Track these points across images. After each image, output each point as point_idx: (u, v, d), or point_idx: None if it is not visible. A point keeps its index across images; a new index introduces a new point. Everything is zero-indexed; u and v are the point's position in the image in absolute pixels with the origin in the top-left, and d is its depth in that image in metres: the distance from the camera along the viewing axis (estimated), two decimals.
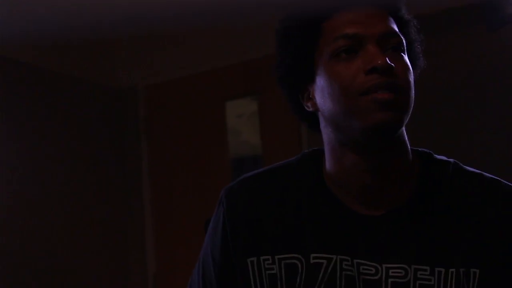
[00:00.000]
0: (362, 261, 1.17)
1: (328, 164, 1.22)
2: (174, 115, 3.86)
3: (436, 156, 1.24)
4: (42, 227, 3.37)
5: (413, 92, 1.16)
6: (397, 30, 1.16)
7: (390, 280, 1.15)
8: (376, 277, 1.16)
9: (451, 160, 1.24)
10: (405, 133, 1.19)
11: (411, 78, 1.15)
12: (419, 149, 1.24)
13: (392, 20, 1.17)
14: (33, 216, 3.33)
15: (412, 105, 1.15)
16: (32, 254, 3.30)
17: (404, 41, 1.17)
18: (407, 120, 1.15)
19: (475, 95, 3.10)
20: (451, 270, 1.14)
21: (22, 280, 3.23)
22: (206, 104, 3.76)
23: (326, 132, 1.21)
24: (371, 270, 1.16)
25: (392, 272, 1.15)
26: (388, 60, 1.11)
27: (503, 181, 1.21)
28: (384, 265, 1.16)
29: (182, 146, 3.81)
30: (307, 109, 1.22)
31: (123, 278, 3.73)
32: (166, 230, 3.76)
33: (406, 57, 1.16)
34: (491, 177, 1.21)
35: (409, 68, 1.15)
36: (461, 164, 1.23)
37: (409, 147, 1.21)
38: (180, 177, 3.78)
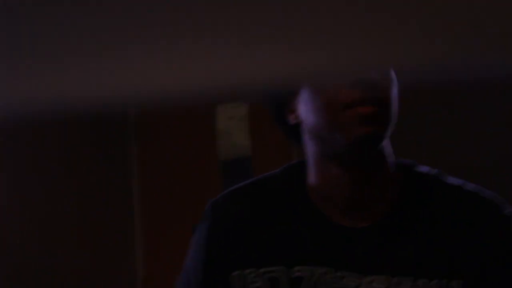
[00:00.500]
0: (345, 273, 1.17)
1: (312, 176, 1.23)
2: (165, 116, 3.85)
3: (420, 167, 1.25)
4: (39, 227, 3.36)
5: (397, 105, 1.16)
6: None
7: None
8: None
9: (434, 170, 1.25)
10: (389, 145, 1.20)
11: (395, 91, 1.16)
12: (403, 160, 1.25)
13: None
14: (31, 215, 3.33)
15: (396, 118, 1.16)
16: (31, 254, 3.30)
17: None
18: (390, 133, 1.17)
19: (466, 99, 3.10)
20: (433, 281, 1.15)
21: (19, 280, 3.23)
22: (197, 106, 3.76)
23: (309, 145, 1.21)
24: (354, 281, 1.17)
25: (375, 284, 1.16)
26: (371, 74, 1.12)
27: (484, 190, 1.22)
28: (366, 277, 1.17)
29: (172, 148, 3.81)
30: (290, 121, 1.23)
31: (112, 280, 3.73)
32: (156, 233, 3.76)
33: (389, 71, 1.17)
34: (472, 188, 1.22)
35: (392, 81, 1.16)
36: (444, 175, 1.24)
37: (392, 158, 1.22)
38: (170, 179, 3.78)
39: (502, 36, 0.37)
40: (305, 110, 1.18)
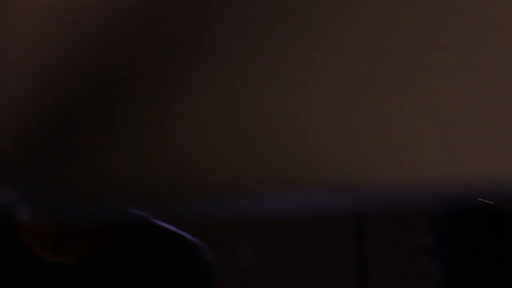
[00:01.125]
0: None
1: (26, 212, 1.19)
2: None
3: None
4: None
5: None
6: None
7: None
8: None
9: (141, 213, 1.26)
10: None
11: None
12: None
13: None
14: None
15: None
16: None
17: None
18: None
19: None
20: None
21: None
22: None
23: None
24: None
25: None
26: None
27: (183, 235, 1.27)
28: None
29: None
30: None
31: None
32: None
33: None
34: (174, 232, 1.27)
35: None
36: (151, 218, 1.27)
37: None
38: None
39: None
40: None
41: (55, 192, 0.37)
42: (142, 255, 1.22)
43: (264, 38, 0.36)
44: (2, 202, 1.21)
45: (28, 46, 0.36)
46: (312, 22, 0.36)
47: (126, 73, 0.35)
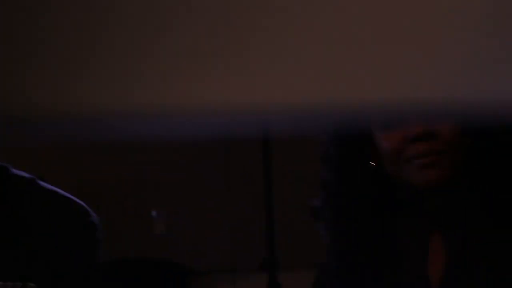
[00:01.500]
0: None
1: None
2: None
3: (14, 171, 1.30)
4: None
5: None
6: None
7: None
8: None
9: (29, 176, 1.31)
10: None
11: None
12: None
13: None
14: None
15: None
16: None
17: None
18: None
19: None
20: (7, 283, 1.20)
21: None
22: None
23: None
24: None
25: None
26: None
27: (69, 197, 1.31)
28: None
29: None
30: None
31: None
32: None
33: None
34: (65, 194, 1.30)
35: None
36: (38, 181, 1.30)
37: None
38: None
39: None
40: None
41: None
42: (28, 218, 1.26)
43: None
44: None
45: None
46: None
47: None
